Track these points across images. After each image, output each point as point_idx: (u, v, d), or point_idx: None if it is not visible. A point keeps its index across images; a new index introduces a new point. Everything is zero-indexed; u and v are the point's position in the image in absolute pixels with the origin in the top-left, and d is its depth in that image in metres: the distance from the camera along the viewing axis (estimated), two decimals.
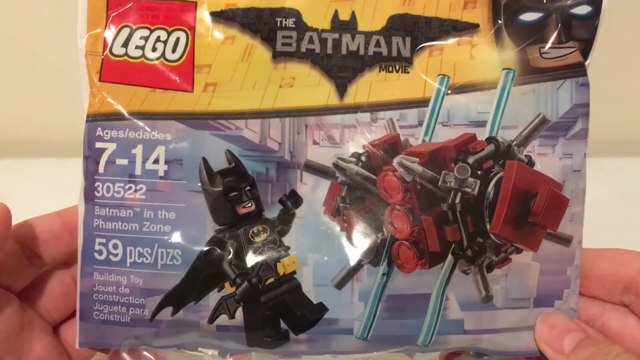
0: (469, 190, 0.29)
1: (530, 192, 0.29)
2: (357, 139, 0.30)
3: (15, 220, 0.29)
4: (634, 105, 0.50)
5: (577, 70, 0.29)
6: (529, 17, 0.29)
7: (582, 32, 0.29)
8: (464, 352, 0.31)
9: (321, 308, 0.29)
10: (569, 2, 0.29)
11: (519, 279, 0.30)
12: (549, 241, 0.30)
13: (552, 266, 0.30)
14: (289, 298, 0.29)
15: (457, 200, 0.29)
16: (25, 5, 0.48)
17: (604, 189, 0.36)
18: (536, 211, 0.29)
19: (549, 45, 0.29)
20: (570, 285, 0.30)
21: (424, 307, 0.29)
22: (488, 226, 0.29)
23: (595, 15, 0.29)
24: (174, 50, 0.29)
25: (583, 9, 0.29)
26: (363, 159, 0.30)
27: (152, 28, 0.29)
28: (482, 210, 0.29)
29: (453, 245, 0.29)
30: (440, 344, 0.29)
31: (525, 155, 0.29)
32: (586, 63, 0.29)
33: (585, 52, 0.29)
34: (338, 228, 0.29)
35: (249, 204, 0.29)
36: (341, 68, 0.30)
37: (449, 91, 0.30)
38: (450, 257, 0.29)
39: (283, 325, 0.29)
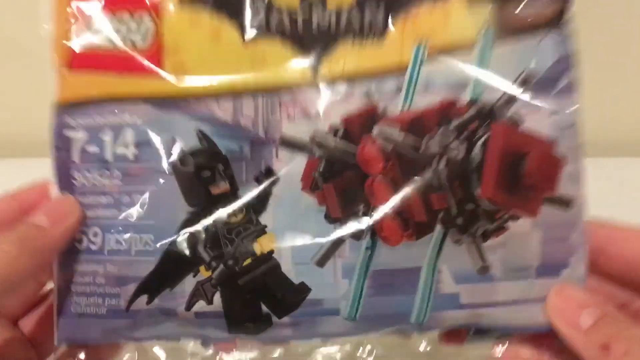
0: (453, 154, 0.27)
1: (520, 153, 0.27)
2: (334, 112, 0.28)
3: None
4: (633, 106, 0.49)
5: (557, 24, 0.27)
6: None
7: None
8: (462, 332, 0.28)
9: (303, 288, 0.27)
10: None
11: (518, 247, 0.27)
12: (548, 206, 0.27)
13: (555, 233, 0.27)
14: (269, 279, 0.27)
15: (442, 165, 0.27)
16: (25, 5, 0.48)
17: (603, 189, 0.34)
18: (529, 172, 0.27)
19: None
20: (576, 252, 0.27)
21: (415, 282, 0.27)
22: (478, 191, 0.27)
23: None
24: (141, 36, 0.29)
25: None
26: (340, 132, 0.28)
27: (119, 15, 0.29)
28: (469, 175, 0.27)
29: (441, 214, 0.27)
30: (436, 321, 0.27)
31: (512, 115, 0.28)
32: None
33: (564, 6, 0.27)
34: (317, 203, 0.28)
35: (223, 184, 0.28)
36: (313, 42, 0.29)
37: (427, 56, 0.28)
38: (439, 226, 0.27)
39: (265, 309, 0.27)
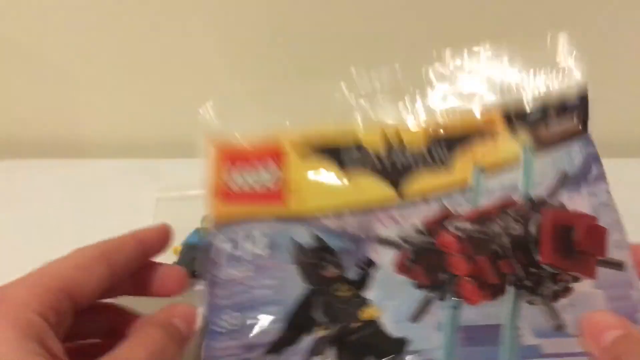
0: (514, 232, 0.34)
1: (569, 225, 0.34)
2: (416, 218, 0.37)
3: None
4: (634, 106, 0.50)
5: (580, 132, 0.37)
6: (532, 116, 0.39)
7: (575, 113, 0.38)
8: None
9: (402, 341, 0.32)
10: (561, 98, 0.38)
11: (586, 306, 0.32)
12: (604, 268, 0.33)
13: (616, 292, 0.32)
14: (373, 337, 0.33)
15: (506, 239, 0.34)
16: (26, 6, 0.51)
17: None
18: (579, 239, 0.33)
19: (551, 122, 0.38)
20: (639, 308, 0.32)
21: (498, 336, 0.32)
22: (538, 257, 0.33)
23: (584, 103, 0.38)
24: (271, 181, 0.40)
25: (573, 101, 0.38)
26: (423, 231, 0.36)
27: (257, 169, 0.41)
28: (529, 246, 0.34)
29: (510, 277, 0.33)
30: None
31: (557, 202, 0.35)
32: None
33: (584, 119, 0.37)
34: (408, 279, 0.34)
35: (333, 270, 0.35)
36: (397, 175, 0.39)
37: (484, 173, 0.38)
38: (511, 288, 0.33)
39: None
